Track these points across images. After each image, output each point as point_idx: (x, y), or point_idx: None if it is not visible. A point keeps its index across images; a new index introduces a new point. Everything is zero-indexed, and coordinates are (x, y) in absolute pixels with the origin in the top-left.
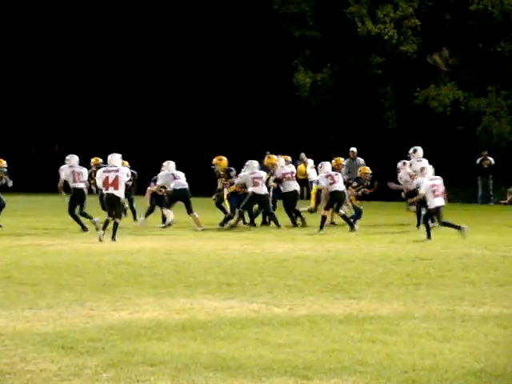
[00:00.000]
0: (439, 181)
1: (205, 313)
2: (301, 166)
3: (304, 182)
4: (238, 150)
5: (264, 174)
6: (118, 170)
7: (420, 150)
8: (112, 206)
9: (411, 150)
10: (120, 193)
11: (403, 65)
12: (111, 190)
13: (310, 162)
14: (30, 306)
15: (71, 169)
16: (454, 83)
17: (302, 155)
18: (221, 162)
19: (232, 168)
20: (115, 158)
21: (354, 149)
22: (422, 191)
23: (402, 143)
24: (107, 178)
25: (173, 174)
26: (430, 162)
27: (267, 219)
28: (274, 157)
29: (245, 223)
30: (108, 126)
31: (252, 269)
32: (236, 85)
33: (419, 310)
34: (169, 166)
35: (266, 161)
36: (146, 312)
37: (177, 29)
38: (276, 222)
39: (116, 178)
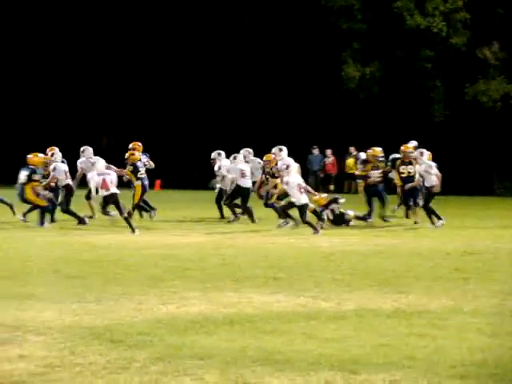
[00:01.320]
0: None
1: (252, 307)
2: (349, 160)
3: (352, 177)
4: (286, 144)
5: (248, 168)
6: (109, 173)
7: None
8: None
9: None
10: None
11: (452, 58)
12: (114, 190)
13: (362, 155)
14: (78, 300)
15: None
16: (504, 77)
17: (352, 149)
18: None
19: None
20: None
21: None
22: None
23: (450, 137)
24: (104, 179)
25: (241, 170)
26: (479, 157)
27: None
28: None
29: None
30: (154, 120)
31: (299, 263)
32: (284, 78)
33: (468, 305)
34: (237, 160)
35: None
36: (194, 306)
37: (225, 21)
38: (251, 216)
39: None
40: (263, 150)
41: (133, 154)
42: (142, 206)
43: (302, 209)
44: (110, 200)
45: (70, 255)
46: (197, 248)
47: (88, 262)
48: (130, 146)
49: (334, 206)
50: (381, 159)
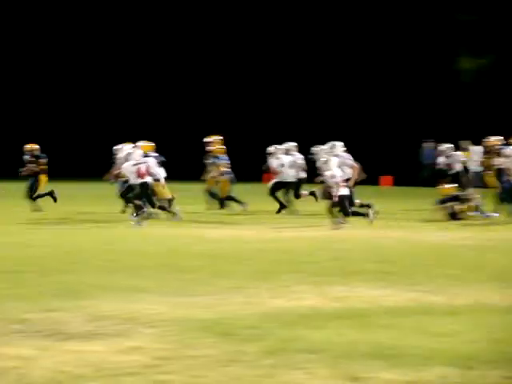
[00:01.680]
0: None
1: (362, 301)
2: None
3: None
4: (398, 137)
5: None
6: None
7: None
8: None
9: None
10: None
11: None
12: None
13: (477, 149)
14: (190, 293)
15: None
16: None
17: (463, 142)
18: None
19: None
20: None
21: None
22: None
23: None
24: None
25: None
26: None
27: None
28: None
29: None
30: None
31: (410, 257)
32: (396, 70)
33: None
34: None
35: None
36: (304, 300)
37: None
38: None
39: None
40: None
41: (216, 148)
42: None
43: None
44: (144, 190)
45: (181, 249)
46: (309, 242)
47: (199, 255)
48: (210, 139)
49: (455, 202)
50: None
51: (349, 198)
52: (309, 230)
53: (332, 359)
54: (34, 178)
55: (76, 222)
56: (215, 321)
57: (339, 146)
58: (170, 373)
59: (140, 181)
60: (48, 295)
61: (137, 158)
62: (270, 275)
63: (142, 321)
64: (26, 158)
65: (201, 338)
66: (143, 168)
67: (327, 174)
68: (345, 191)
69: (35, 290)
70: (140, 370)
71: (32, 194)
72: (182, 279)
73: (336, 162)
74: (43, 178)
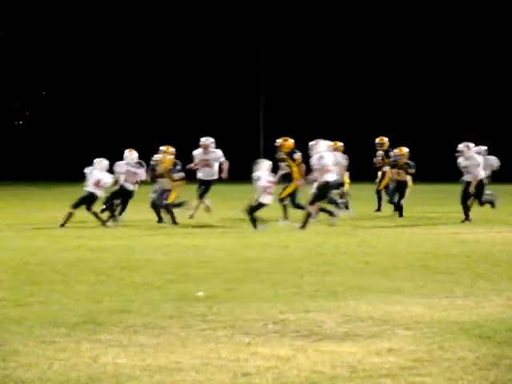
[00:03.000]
0: None
1: None
2: None
3: None
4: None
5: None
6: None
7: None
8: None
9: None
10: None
11: None
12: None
13: None
14: (446, 295)
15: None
16: None
17: None
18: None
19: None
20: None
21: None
22: None
23: None
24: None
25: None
26: None
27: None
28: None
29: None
30: None
31: None
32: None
33: None
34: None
35: None
36: None
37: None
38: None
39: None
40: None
41: (286, 141)
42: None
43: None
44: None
45: (438, 250)
46: None
47: (456, 256)
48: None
49: None
50: None
51: (258, 207)
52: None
53: None
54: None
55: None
56: (473, 323)
57: (324, 145)
58: (426, 375)
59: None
60: (305, 296)
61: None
62: None
63: (398, 323)
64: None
65: (458, 341)
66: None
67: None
68: (266, 199)
69: (292, 291)
70: (395, 372)
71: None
72: (439, 281)
73: (267, 164)
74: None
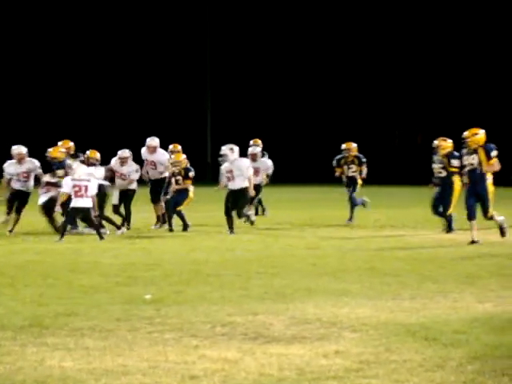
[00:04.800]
0: None
1: None
2: None
3: None
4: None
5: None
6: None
7: None
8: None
9: None
10: None
11: None
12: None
13: None
14: (393, 297)
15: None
16: None
17: None
18: None
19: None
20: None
21: None
22: None
23: None
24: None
25: None
26: None
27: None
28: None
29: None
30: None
31: None
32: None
33: None
34: None
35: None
36: (511, 305)
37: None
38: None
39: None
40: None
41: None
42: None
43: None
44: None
45: (384, 252)
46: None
47: (403, 259)
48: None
49: None
50: None
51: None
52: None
53: None
54: None
55: (282, 226)
56: (420, 325)
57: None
58: (373, 377)
59: None
60: (253, 298)
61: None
62: (475, 279)
63: (345, 325)
64: None
65: (404, 343)
66: None
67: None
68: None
69: (240, 293)
70: (342, 374)
71: None
72: (386, 283)
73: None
74: None
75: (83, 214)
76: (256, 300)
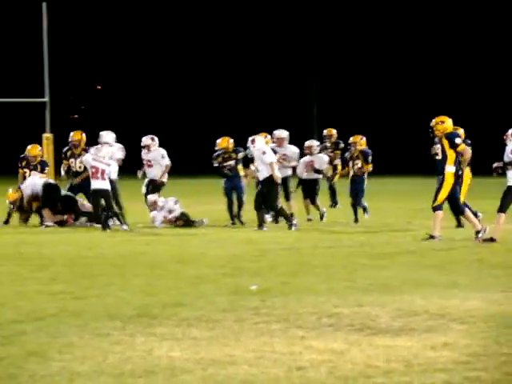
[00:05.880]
0: None
1: None
2: None
3: None
4: None
5: None
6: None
7: None
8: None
9: None
10: None
11: None
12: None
13: None
14: (502, 289)
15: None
16: None
17: None
18: None
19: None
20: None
21: None
22: None
23: None
24: None
25: None
26: None
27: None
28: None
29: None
30: None
31: None
32: None
33: None
34: None
35: None
36: None
37: None
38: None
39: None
40: None
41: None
42: None
43: None
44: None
45: (493, 245)
46: None
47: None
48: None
49: None
50: None
51: None
52: None
53: None
54: None
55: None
56: None
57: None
58: (483, 370)
59: None
60: (358, 290)
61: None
62: None
63: (453, 317)
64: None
65: None
66: None
67: None
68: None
69: (345, 285)
70: (451, 367)
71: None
72: (493, 275)
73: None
74: None
75: (104, 195)
76: (362, 292)
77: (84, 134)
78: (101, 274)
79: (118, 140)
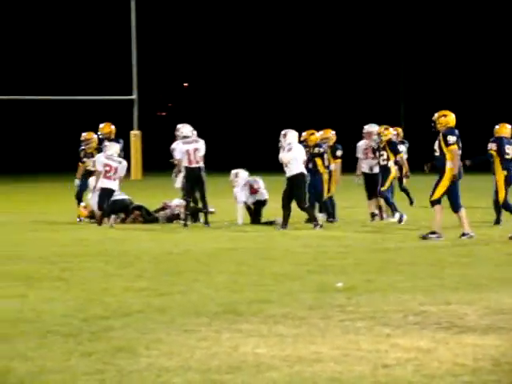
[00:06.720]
0: None
1: None
2: None
3: None
4: None
5: None
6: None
7: None
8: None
9: None
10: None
11: None
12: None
13: None
14: None
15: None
16: None
17: None
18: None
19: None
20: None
21: None
22: None
23: None
24: None
25: None
26: None
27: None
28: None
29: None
30: None
31: None
32: None
33: None
34: None
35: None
36: None
37: None
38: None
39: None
40: None
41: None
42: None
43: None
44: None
45: None
46: None
47: None
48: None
49: None
50: None
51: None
52: None
53: None
54: None
55: None
56: None
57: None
58: None
59: None
60: (446, 288)
61: None
62: None
63: None
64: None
65: None
66: None
67: None
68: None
69: (432, 283)
70: None
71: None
72: None
73: None
74: None
75: (110, 196)
76: (449, 289)
77: (113, 126)
78: (185, 270)
79: (202, 136)
